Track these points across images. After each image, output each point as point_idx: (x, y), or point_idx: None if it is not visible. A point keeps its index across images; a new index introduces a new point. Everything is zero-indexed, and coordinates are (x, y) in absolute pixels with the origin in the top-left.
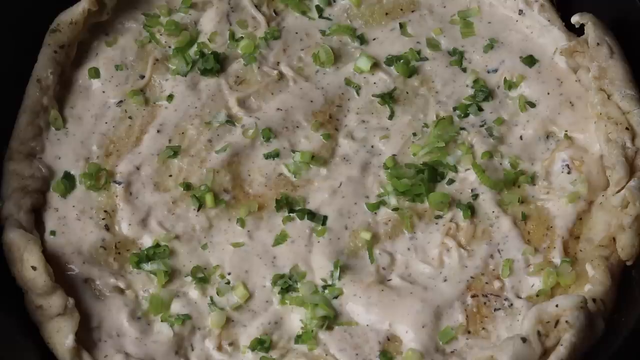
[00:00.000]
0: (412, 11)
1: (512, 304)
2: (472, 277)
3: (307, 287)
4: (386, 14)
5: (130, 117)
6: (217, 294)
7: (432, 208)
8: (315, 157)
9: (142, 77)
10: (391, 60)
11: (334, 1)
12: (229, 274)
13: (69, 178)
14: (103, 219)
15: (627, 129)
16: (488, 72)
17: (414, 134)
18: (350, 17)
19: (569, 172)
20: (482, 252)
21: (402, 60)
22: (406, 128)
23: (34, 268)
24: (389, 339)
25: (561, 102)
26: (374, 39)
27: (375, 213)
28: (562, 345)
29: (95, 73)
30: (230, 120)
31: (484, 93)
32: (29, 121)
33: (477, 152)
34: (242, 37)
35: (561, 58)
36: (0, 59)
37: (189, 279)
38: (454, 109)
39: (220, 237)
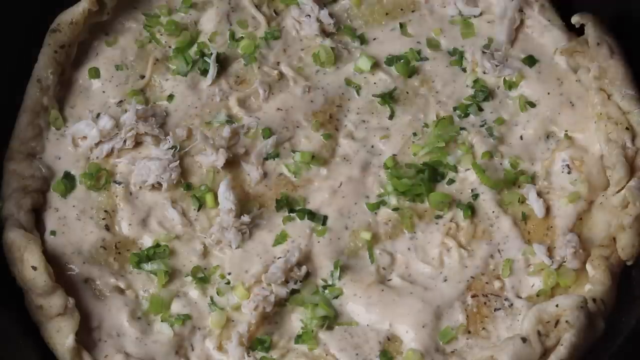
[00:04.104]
0: (412, 11)
1: (512, 304)
2: (472, 277)
3: (308, 287)
4: (386, 14)
5: None
6: (217, 294)
7: (432, 208)
8: (315, 157)
9: (142, 77)
10: (391, 60)
11: (334, 1)
12: (229, 274)
13: (69, 178)
14: (103, 219)
15: (627, 129)
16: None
17: (414, 134)
18: (351, 17)
19: (569, 172)
20: (482, 252)
21: (402, 60)
22: (406, 128)
23: (34, 268)
24: (389, 339)
25: (561, 102)
26: (374, 39)
27: (376, 213)
28: (562, 345)
29: (95, 73)
30: (231, 120)
31: (484, 93)
32: (29, 121)
33: (477, 152)
34: (242, 37)
35: (561, 58)
36: (1, 59)
37: (189, 279)
38: (454, 109)
39: None
